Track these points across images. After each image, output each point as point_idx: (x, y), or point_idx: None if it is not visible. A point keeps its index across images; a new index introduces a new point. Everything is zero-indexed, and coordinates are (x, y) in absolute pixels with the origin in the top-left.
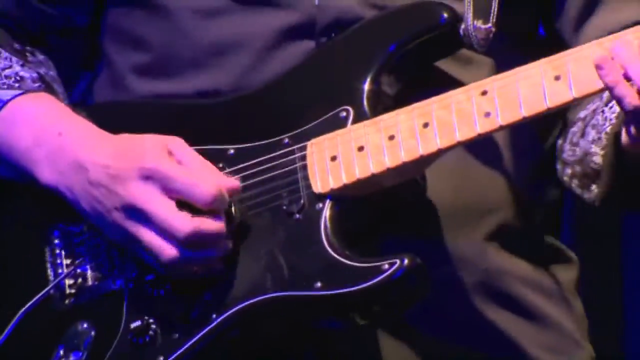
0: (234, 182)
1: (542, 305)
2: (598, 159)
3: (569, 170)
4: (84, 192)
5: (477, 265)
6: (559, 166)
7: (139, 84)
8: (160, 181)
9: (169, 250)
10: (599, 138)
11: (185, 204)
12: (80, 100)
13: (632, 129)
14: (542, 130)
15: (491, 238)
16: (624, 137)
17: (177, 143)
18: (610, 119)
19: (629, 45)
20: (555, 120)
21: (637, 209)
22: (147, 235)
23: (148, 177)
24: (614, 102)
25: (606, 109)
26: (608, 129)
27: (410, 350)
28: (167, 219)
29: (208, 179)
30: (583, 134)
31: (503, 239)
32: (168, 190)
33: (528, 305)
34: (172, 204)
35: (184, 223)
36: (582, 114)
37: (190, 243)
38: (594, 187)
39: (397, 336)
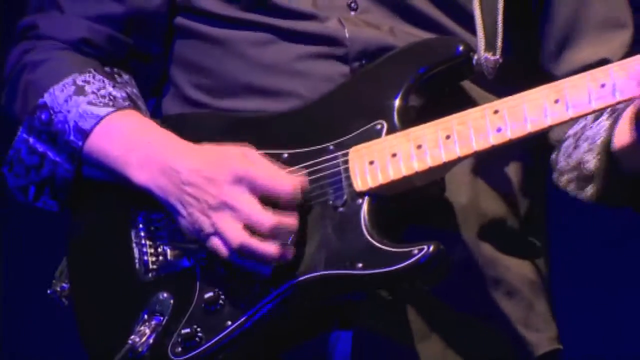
0: (304, 178)
1: (524, 290)
2: (591, 165)
3: (564, 177)
4: (177, 191)
5: (476, 252)
6: (555, 175)
7: (200, 100)
8: (249, 184)
9: (260, 245)
10: (591, 149)
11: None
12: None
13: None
14: (533, 148)
15: (486, 234)
16: (615, 145)
17: (252, 152)
18: (600, 133)
19: None
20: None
21: (627, 205)
22: (233, 230)
23: (239, 179)
24: (601, 118)
25: (594, 125)
26: (599, 141)
27: (422, 316)
28: (256, 217)
29: (285, 178)
30: (576, 147)
31: (498, 235)
32: (255, 190)
33: (513, 290)
34: (258, 203)
35: (270, 218)
36: (571, 132)
37: (273, 234)
38: (589, 188)
39: (413, 303)
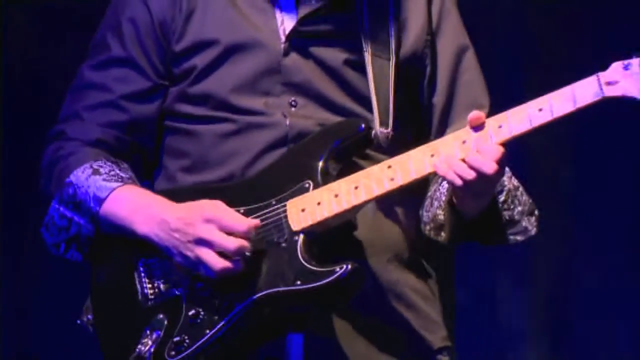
0: (257, 221)
1: (421, 303)
2: (441, 218)
3: (427, 227)
4: (167, 236)
5: (383, 275)
6: (422, 225)
7: (183, 177)
8: (216, 222)
9: (222, 263)
10: (440, 206)
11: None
12: None
13: (456, 195)
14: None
15: (389, 259)
16: (454, 200)
17: (219, 202)
18: (444, 192)
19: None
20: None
21: (472, 241)
22: (210, 256)
23: (208, 220)
24: (444, 183)
25: (441, 187)
26: (444, 200)
27: (345, 321)
28: (223, 243)
29: (242, 219)
30: (431, 205)
31: (398, 260)
32: (222, 227)
33: (412, 303)
34: (223, 235)
35: (234, 242)
36: (428, 194)
37: (237, 254)
38: (442, 233)
39: (339, 313)
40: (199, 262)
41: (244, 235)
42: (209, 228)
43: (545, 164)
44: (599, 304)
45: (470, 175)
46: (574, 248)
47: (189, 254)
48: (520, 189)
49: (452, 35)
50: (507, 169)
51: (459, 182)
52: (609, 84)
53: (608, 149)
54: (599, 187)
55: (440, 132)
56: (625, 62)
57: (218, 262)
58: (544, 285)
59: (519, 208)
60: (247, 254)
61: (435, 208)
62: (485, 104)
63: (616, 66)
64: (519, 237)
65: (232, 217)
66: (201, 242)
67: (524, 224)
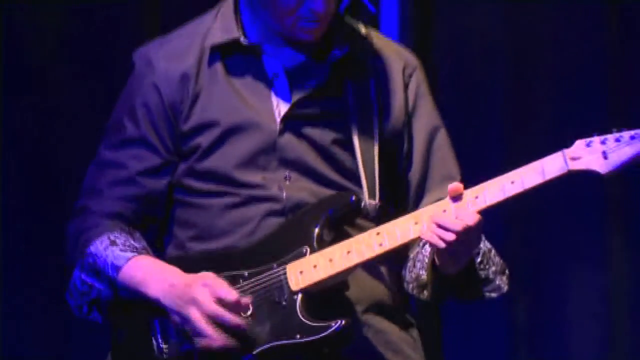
0: (247, 299)
1: (406, 349)
2: (424, 278)
3: (410, 285)
4: (171, 297)
5: (372, 325)
6: (405, 284)
7: (192, 245)
8: (210, 290)
9: (205, 324)
10: (423, 266)
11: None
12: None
13: (438, 257)
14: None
15: (377, 312)
16: (436, 261)
17: (212, 276)
18: (426, 255)
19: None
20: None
21: (451, 297)
22: (199, 319)
23: (204, 285)
24: (426, 246)
25: (422, 250)
26: (426, 261)
27: None
28: (213, 310)
29: (235, 295)
30: (414, 266)
31: (384, 312)
32: (214, 296)
33: (398, 349)
34: (215, 302)
35: (222, 312)
36: (411, 255)
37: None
38: (425, 292)
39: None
40: (188, 321)
41: (231, 306)
42: (203, 291)
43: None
44: None
45: (451, 237)
46: None
47: (182, 311)
48: (493, 251)
49: (427, 116)
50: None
51: (441, 244)
52: (573, 159)
53: None
54: None
55: (416, 203)
56: (587, 140)
57: (201, 321)
58: None
59: (493, 268)
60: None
61: (418, 269)
62: (457, 176)
63: (579, 143)
64: (493, 294)
65: (225, 289)
66: (193, 302)
67: (497, 282)
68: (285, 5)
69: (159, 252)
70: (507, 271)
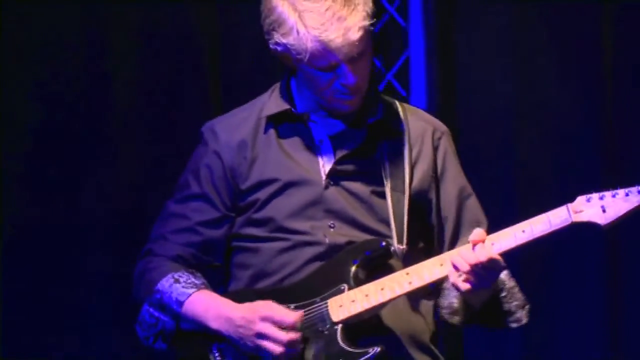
0: (301, 312)
1: None
2: (456, 305)
3: (443, 312)
4: (233, 330)
5: (403, 354)
6: (439, 310)
7: (249, 284)
8: (270, 319)
9: (282, 349)
10: (455, 295)
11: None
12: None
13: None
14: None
15: (408, 342)
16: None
17: (270, 302)
18: None
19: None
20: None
21: (479, 324)
22: (269, 344)
23: (264, 318)
24: None
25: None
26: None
27: None
28: (278, 336)
29: (290, 314)
30: (447, 295)
31: (414, 342)
32: (275, 322)
33: None
34: (277, 329)
35: (284, 336)
36: (446, 285)
37: (289, 344)
38: (456, 317)
39: None
40: (261, 350)
41: (292, 326)
42: (266, 325)
43: None
44: None
45: (466, 268)
46: None
47: (250, 345)
48: (517, 287)
49: (455, 175)
50: (506, 271)
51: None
52: (576, 212)
53: None
54: None
55: (451, 244)
56: (587, 196)
57: (276, 349)
58: None
59: (515, 303)
60: (298, 341)
61: (451, 297)
62: (484, 222)
63: (580, 199)
64: (514, 325)
65: (281, 312)
66: (260, 336)
67: (518, 314)
68: (321, 82)
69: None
70: (527, 306)
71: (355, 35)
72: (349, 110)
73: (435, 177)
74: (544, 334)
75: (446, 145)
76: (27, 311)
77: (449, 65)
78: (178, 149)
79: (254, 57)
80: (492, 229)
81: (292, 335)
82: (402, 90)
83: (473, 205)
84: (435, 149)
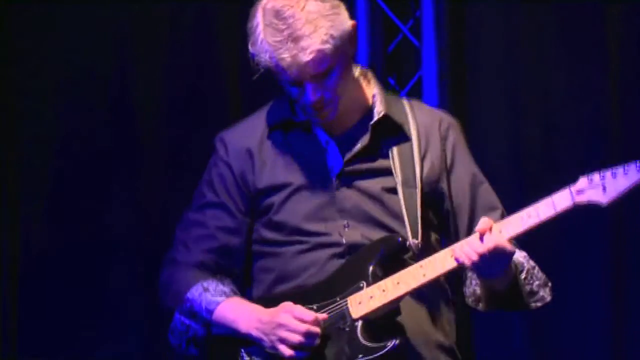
0: (324, 315)
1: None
2: (479, 292)
3: (469, 299)
4: (260, 328)
5: (422, 347)
6: (465, 298)
7: (273, 287)
8: (291, 312)
9: (300, 338)
10: (477, 283)
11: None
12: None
13: (478, 275)
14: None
15: (422, 338)
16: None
17: (290, 303)
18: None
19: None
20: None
21: (503, 308)
22: (290, 335)
23: (286, 311)
24: None
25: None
26: (479, 279)
27: None
28: (297, 327)
29: (310, 313)
30: (471, 283)
31: (427, 341)
32: (296, 317)
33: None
34: (296, 320)
35: (302, 327)
36: (468, 274)
37: (308, 336)
38: (481, 304)
39: None
40: (280, 342)
41: (312, 323)
42: (286, 316)
43: None
44: None
45: (474, 257)
46: None
47: (272, 337)
48: (537, 267)
49: (466, 163)
50: (524, 253)
51: (467, 262)
52: (578, 193)
53: None
54: None
55: (468, 230)
56: (589, 176)
57: (294, 338)
58: None
59: (537, 282)
60: (315, 338)
61: (473, 286)
62: (499, 206)
63: (583, 180)
64: (539, 304)
65: (302, 309)
66: (280, 326)
67: (541, 293)
68: (291, 94)
69: (247, 295)
70: (549, 283)
71: (306, 57)
72: (324, 122)
73: (446, 168)
74: (550, 327)
75: (454, 135)
76: (49, 324)
77: (461, 86)
78: (200, 159)
79: None
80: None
81: (310, 328)
82: (397, 87)
83: (486, 191)
84: (443, 139)
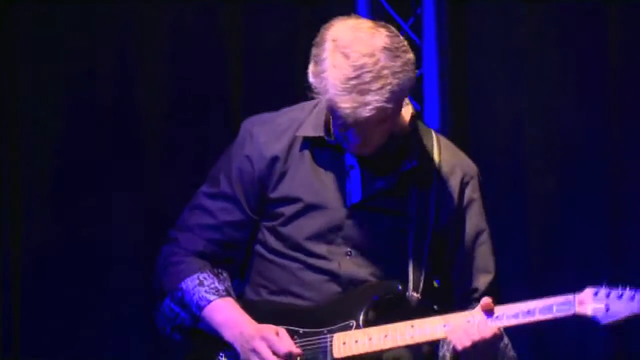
0: (299, 351)
1: None
2: (448, 357)
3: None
4: (239, 342)
5: None
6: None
7: (264, 293)
8: (267, 341)
9: None
10: (448, 349)
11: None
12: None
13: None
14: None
15: None
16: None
17: (278, 328)
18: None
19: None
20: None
21: None
22: None
23: (263, 338)
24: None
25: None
26: (451, 347)
27: None
28: (267, 356)
29: (288, 346)
30: (442, 346)
31: None
32: (270, 347)
33: None
34: (269, 351)
35: (272, 358)
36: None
37: None
38: None
39: None
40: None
41: (284, 356)
42: (262, 344)
43: None
44: None
45: (467, 343)
46: None
47: (246, 355)
48: (509, 345)
49: (475, 218)
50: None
51: (458, 347)
52: (580, 303)
53: None
54: None
55: (461, 289)
56: (595, 289)
57: None
58: None
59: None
60: None
61: (444, 350)
62: (492, 270)
63: (588, 291)
64: None
65: (281, 340)
66: (254, 351)
67: None
68: (335, 124)
69: (238, 289)
70: None
71: (367, 113)
72: (361, 156)
73: (457, 219)
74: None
75: (473, 187)
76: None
77: (462, 83)
78: (201, 159)
79: (276, 58)
80: (503, 249)
81: None
82: (416, 105)
83: (485, 252)
84: (461, 192)
